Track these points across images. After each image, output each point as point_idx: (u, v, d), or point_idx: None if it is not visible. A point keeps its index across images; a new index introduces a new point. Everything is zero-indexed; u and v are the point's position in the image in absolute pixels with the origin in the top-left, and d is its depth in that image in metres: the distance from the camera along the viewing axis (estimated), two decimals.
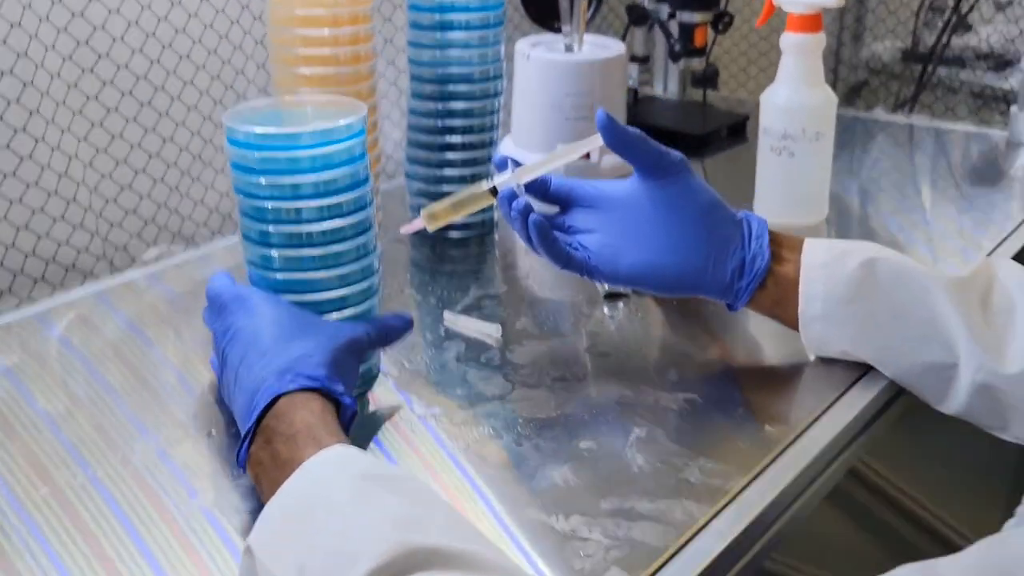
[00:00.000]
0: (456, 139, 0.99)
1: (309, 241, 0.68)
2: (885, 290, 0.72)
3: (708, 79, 1.47)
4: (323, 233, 0.68)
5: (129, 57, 0.92)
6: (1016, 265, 0.74)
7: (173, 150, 0.97)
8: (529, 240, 0.73)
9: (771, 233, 0.75)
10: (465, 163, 1.00)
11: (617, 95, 1.18)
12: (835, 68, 1.60)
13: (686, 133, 1.30)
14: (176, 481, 0.64)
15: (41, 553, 0.58)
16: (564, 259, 0.74)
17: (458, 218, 0.77)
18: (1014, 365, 0.69)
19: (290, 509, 0.53)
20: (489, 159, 1.03)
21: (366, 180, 0.70)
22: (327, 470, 0.54)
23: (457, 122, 0.98)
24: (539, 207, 0.75)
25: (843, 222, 1.06)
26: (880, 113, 1.42)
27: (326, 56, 0.87)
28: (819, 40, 0.99)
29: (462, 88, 0.98)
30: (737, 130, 1.35)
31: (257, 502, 0.59)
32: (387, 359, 0.78)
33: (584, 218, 0.75)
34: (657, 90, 1.53)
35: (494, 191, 0.75)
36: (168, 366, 0.77)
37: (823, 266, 0.73)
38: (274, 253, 0.68)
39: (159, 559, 0.57)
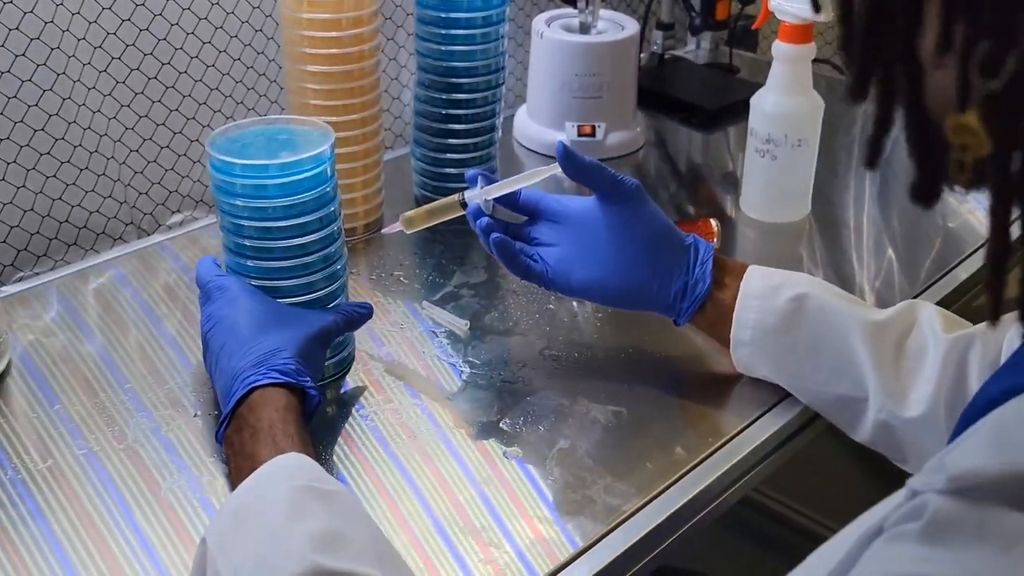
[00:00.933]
0: (459, 127, 1.05)
1: (280, 254, 0.76)
2: (808, 324, 0.78)
3: (742, 38, 1.48)
4: (291, 248, 0.76)
5: (154, 44, 1.00)
6: (937, 310, 0.78)
7: (195, 128, 1.05)
8: (492, 252, 0.81)
9: (716, 259, 0.81)
10: (466, 148, 1.06)
11: (627, 75, 1.22)
12: None
13: (700, 107, 1.33)
14: (166, 457, 0.75)
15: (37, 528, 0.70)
16: (523, 271, 0.81)
17: (435, 223, 0.84)
18: (914, 409, 0.74)
19: (239, 509, 0.62)
20: (491, 144, 1.09)
21: (332, 198, 0.78)
22: (275, 477, 0.63)
23: (460, 111, 1.05)
24: (509, 215, 0.83)
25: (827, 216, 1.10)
26: None
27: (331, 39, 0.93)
28: (809, 51, 1.01)
29: (465, 81, 1.03)
30: None
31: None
32: (361, 343, 0.87)
33: (548, 231, 0.82)
34: (690, 47, 1.55)
35: (464, 202, 0.82)
36: (178, 331, 0.88)
37: (758, 296, 0.79)
38: (249, 263, 0.77)
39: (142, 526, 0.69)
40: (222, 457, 0.74)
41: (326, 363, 0.82)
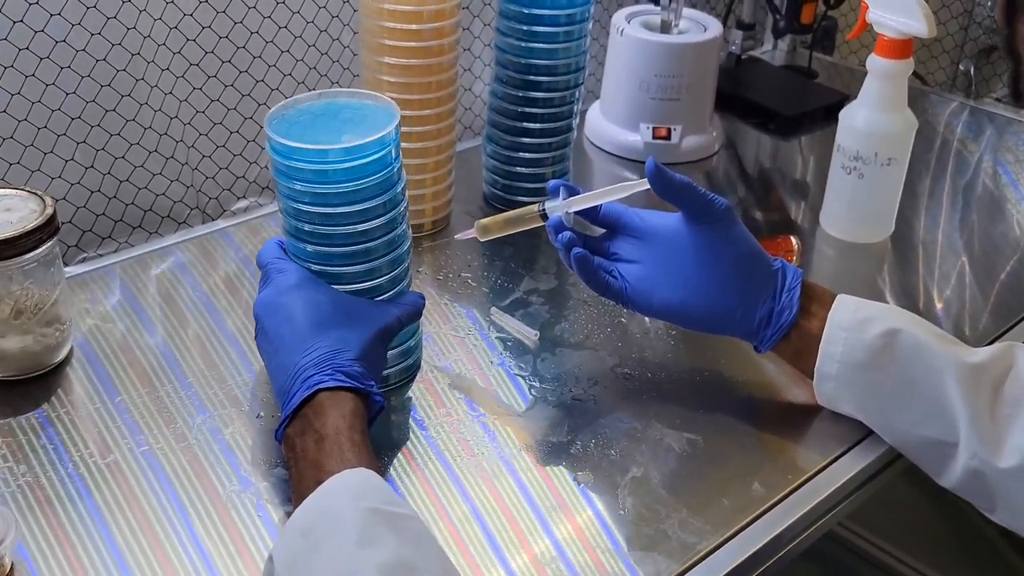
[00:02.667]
0: (534, 126, 1.01)
1: (341, 241, 0.72)
2: (899, 363, 0.73)
3: (821, 39, 1.42)
4: (353, 235, 0.72)
5: (230, 28, 0.96)
6: None
7: (265, 114, 1.02)
8: (571, 267, 0.77)
9: (805, 286, 0.77)
10: (540, 148, 1.02)
11: (707, 78, 1.17)
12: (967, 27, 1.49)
13: (779, 113, 1.28)
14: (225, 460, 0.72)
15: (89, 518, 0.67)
16: (602, 288, 0.78)
17: (510, 232, 0.81)
18: (1009, 459, 0.70)
19: (307, 528, 0.59)
20: (566, 144, 1.05)
21: (397, 181, 0.74)
22: (342, 497, 0.60)
23: (537, 110, 1.00)
24: (585, 225, 0.79)
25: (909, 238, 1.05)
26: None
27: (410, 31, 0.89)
28: (907, 66, 0.96)
29: (545, 79, 0.99)
30: (835, 110, 1.31)
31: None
32: (425, 350, 0.84)
33: (628, 247, 0.79)
34: (766, 48, 1.49)
35: (544, 214, 0.79)
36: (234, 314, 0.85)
37: (846, 329, 0.74)
38: (309, 248, 0.73)
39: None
40: (283, 462, 0.71)
41: (390, 369, 0.79)
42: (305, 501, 0.60)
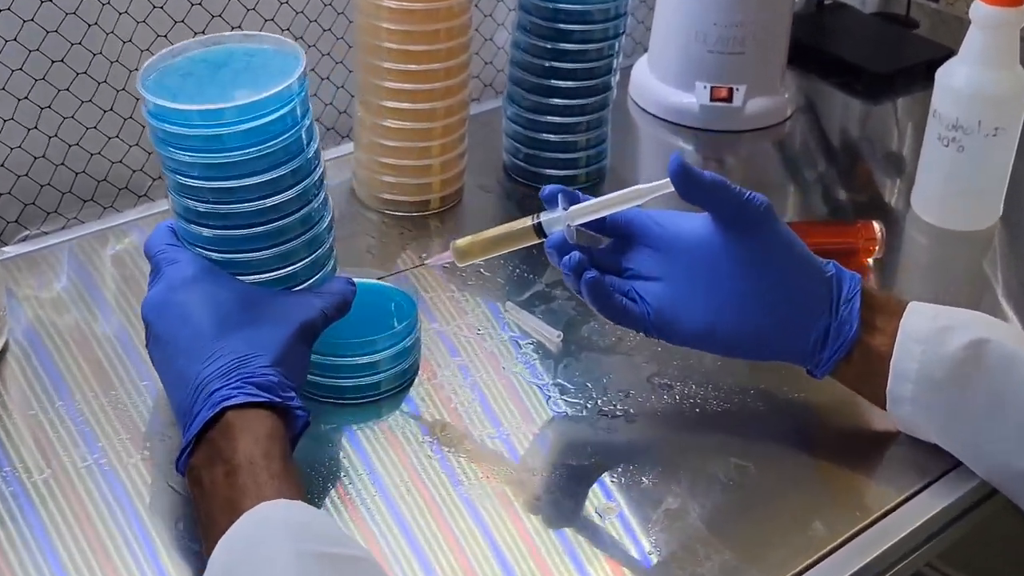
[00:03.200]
0: (564, 84, 1.03)
1: (243, 221, 0.72)
2: (988, 379, 0.74)
3: None
4: (258, 212, 0.72)
5: None
6: None
7: None
8: (580, 293, 0.77)
9: (865, 294, 0.76)
10: (571, 110, 1.04)
11: (778, 27, 1.18)
12: None
13: (868, 70, 1.28)
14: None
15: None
16: (619, 316, 0.77)
17: (498, 254, 0.81)
18: None
19: (232, 568, 0.60)
20: (603, 107, 1.06)
21: (308, 143, 0.73)
22: (272, 534, 0.60)
23: (567, 65, 1.01)
24: (589, 235, 0.79)
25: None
26: None
27: None
28: (1019, 16, 0.96)
29: (577, 28, 1.00)
30: (938, 68, 1.32)
31: None
32: (430, 350, 0.85)
33: (646, 261, 0.78)
34: None
35: (540, 229, 0.78)
36: None
37: (922, 341, 0.74)
38: (205, 232, 0.72)
39: None
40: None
41: (382, 375, 0.80)
42: (223, 539, 0.61)
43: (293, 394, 0.69)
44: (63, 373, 0.82)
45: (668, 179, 0.75)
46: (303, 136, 0.73)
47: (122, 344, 0.85)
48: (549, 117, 1.04)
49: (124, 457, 0.76)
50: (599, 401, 0.82)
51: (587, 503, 0.74)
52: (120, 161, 1.01)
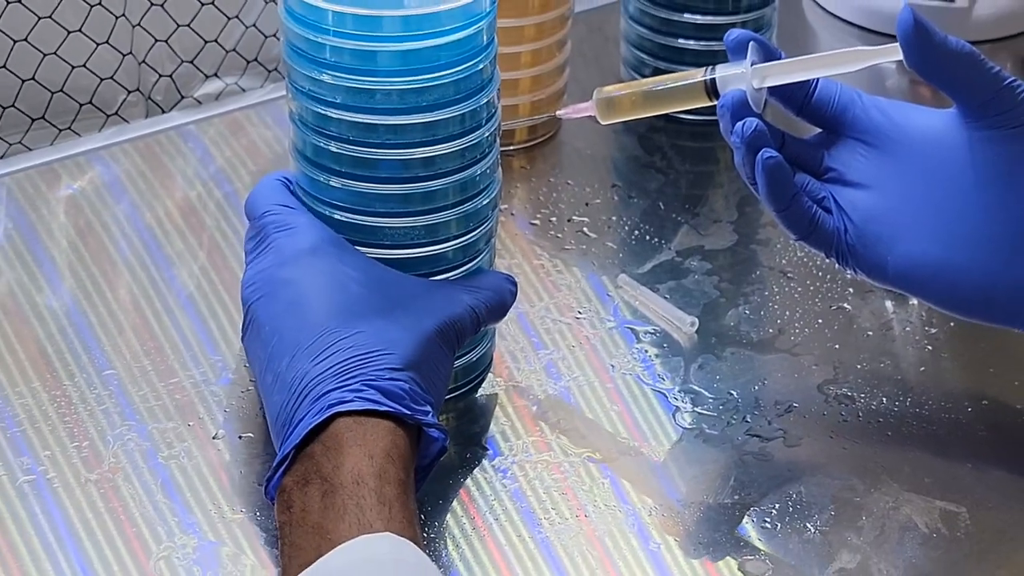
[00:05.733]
0: None
1: (385, 172, 0.76)
2: None
3: None
4: (404, 164, 0.76)
5: None
6: None
7: None
8: (754, 182, 0.79)
9: None
10: (719, 7, 1.05)
11: None
12: None
13: None
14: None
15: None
16: (804, 225, 0.78)
17: (648, 115, 0.83)
18: None
19: None
20: (765, 3, 1.06)
21: (488, 83, 0.77)
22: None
23: None
24: (787, 119, 0.80)
25: None
26: None
27: None
28: None
29: None
30: None
31: None
32: (506, 338, 0.87)
33: (857, 161, 0.79)
34: None
35: (714, 87, 0.80)
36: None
37: None
38: (334, 182, 0.77)
39: None
40: (261, 514, 0.75)
41: None
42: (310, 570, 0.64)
43: (429, 409, 0.72)
44: None
45: (896, 43, 0.75)
46: (483, 72, 0.76)
47: (74, 323, 0.88)
48: (687, 16, 1.05)
49: (71, 475, 0.78)
50: (748, 416, 0.83)
51: (726, 557, 0.75)
52: (83, 66, 1.03)
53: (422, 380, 0.73)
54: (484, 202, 0.80)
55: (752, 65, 0.78)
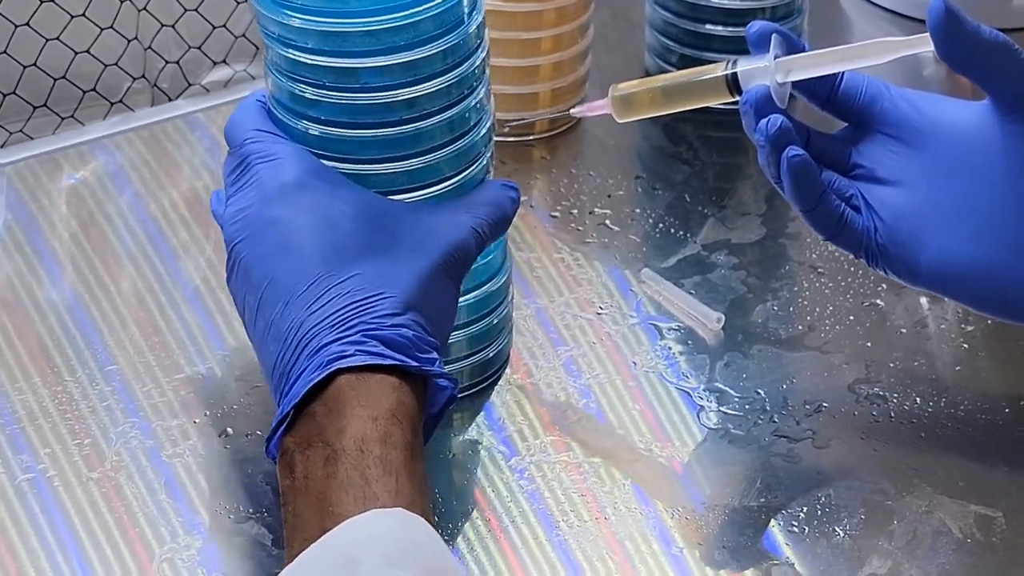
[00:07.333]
0: None
1: (366, 117, 0.75)
2: None
3: None
4: (386, 106, 0.74)
5: None
6: None
7: None
8: (779, 181, 0.78)
9: None
10: None
11: None
12: None
13: None
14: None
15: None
16: (832, 224, 0.78)
17: (664, 113, 0.82)
18: None
19: None
20: None
21: (469, 14, 0.76)
22: (369, 560, 0.62)
23: None
24: (812, 114, 0.80)
25: None
26: None
27: None
28: None
29: None
30: None
31: None
32: (524, 335, 0.87)
33: (886, 157, 0.79)
34: None
35: (736, 82, 0.80)
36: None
37: None
38: (311, 130, 0.76)
39: None
40: (268, 514, 0.75)
41: (456, 365, 0.82)
42: (304, 555, 0.63)
43: (434, 355, 0.72)
44: None
45: (927, 33, 0.75)
46: (463, 5, 0.75)
47: (76, 317, 0.88)
48: (715, 1, 1.04)
49: (72, 473, 0.79)
50: (775, 417, 0.83)
51: (751, 563, 0.75)
52: (87, 51, 1.03)
53: (426, 320, 0.72)
54: (476, 137, 0.79)
55: (776, 59, 0.77)
